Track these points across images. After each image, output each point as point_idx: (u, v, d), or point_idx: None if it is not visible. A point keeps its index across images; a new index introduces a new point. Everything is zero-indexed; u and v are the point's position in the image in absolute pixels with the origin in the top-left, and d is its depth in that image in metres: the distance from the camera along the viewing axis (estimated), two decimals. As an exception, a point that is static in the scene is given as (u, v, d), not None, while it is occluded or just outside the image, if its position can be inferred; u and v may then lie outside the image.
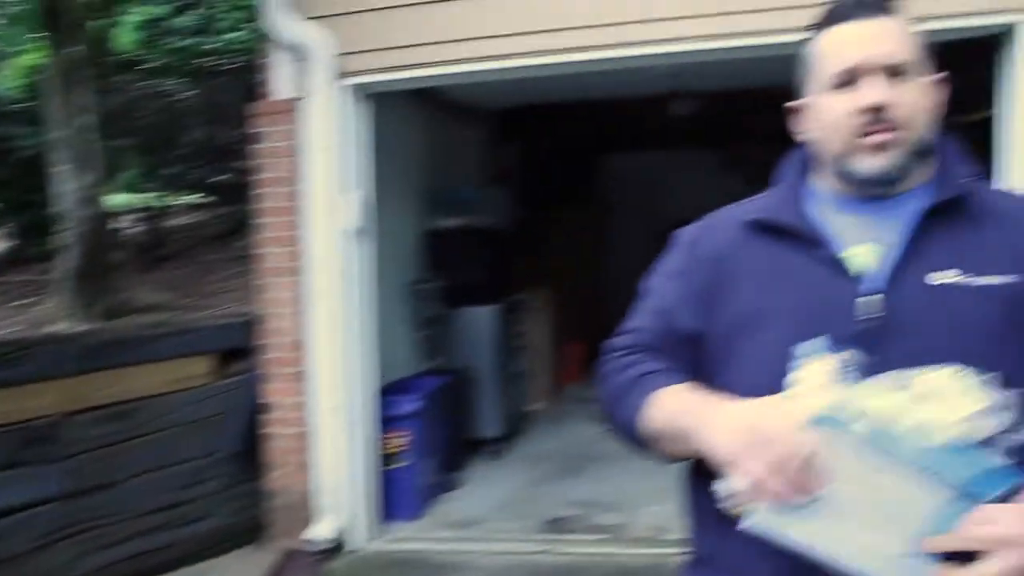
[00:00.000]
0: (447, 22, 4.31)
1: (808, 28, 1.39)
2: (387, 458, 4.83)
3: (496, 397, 6.09)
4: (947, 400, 1.09)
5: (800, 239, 1.34)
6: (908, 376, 1.12)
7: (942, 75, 1.36)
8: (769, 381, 1.22)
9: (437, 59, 4.36)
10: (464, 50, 4.30)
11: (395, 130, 5.62)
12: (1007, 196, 1.44)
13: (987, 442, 1.09)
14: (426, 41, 4.33)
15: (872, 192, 1.32)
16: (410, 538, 4.73)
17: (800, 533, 1.13)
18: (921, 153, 1.31)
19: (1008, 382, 1.14)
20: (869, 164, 1.28)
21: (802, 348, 1.19)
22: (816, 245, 1.32)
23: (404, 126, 5.89)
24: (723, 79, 6.33)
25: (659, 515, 4.77)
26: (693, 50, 4.12)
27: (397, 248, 5.75)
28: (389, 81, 4.54)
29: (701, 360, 1.38)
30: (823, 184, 1.39)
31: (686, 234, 1.49)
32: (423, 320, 5.69)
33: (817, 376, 1.16)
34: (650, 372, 1.38)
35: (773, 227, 1.37)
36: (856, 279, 1.28)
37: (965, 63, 4.67)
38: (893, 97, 1.26)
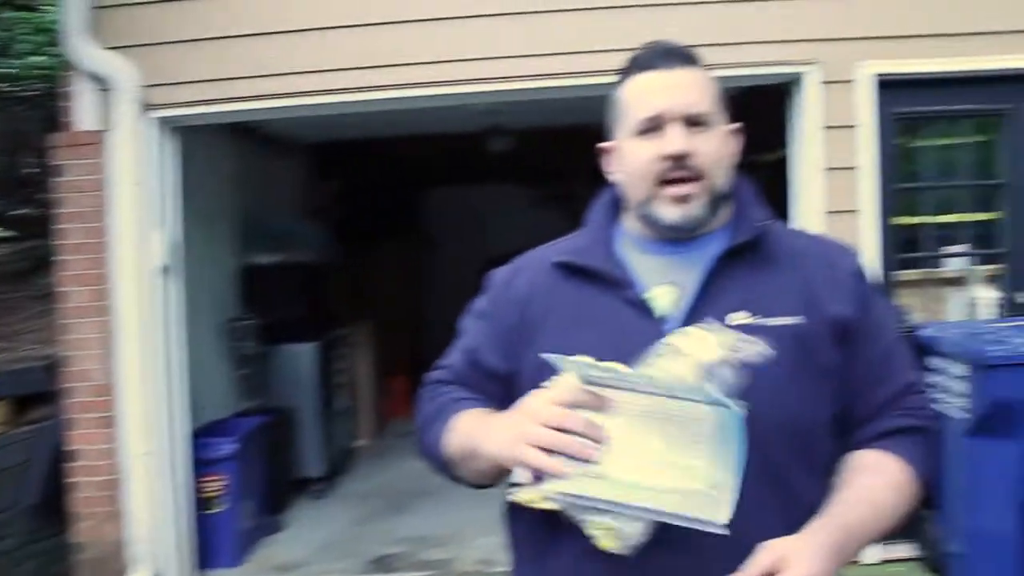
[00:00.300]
0: (258, 56, 4.26)
1: (617, 73, 1.44)
2: (204, 503, 4.64)
3: (318, 435, 5.97)
4: (682, 348, 1.18)
5: (606, 280, 1.38)
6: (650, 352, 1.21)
7: (738, 125, 1.44)
8: None
9: (248, 93, 4.29)
10: (274, 85, 4.26)
11: (207, 164, 5.48)
12: (800, 235, 1.53)
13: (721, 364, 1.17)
14: (236, 75, 4.26)
15: (674, 236, 1.38)
16: (231, 585, 4.55)
17: (599, 491, 1.13)
18: (719, 199, 1.38)
19: (797, 417, 1.26)
20: (671, 213, 1.35)
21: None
22: (620, 286, 1.37)
23: (217, 160, 5.74)
24: (540, 117, 6.54)
25: (486, 548, 4.80)
26: (506, 90, 4.26)
27: (211, 285, 5.58)
28: (198, 115, 4.41)
29: (513, 399, 1.34)
30: (630, 225, 1.45)
31: (498, 275, 1.52)
32: (240, 359, 5.52)
33: (574, 366, 1.20)
34: (451, 401, 1.45)
35: (580, 269, 1.41)
36: (658, 320, 1.33)
37: (761, 107, 5.08)
38: (694, 146, 1.32)
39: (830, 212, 4.22)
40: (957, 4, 4.23)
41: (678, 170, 1.33)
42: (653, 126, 1.34)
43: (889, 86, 4.24)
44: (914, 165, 4.49)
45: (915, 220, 4.50)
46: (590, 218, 1.51)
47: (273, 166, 6.95)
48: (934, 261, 4.52)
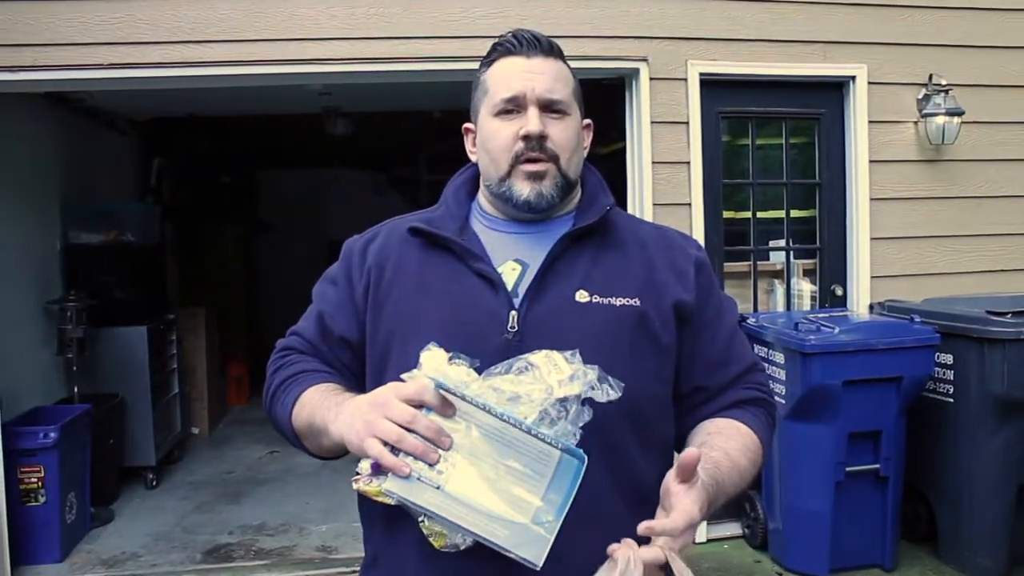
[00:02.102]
0: (75, 22, 4.01)
1: (484, 58, 1.49)
2: (21, 495, 4.39)
3: (149, 422, 5.74)
4: (541, 373, 1.18)
5: (457, 252, 1.42)
6: (505, 364, 1.20)
7: (589, 121, 1.53)
8: None
9: (62, 62, 4.03)
10: (91, 54, 4.02)
11: (23, 136, 5.17)
12: (644, 223, 1.59)
13: (574, 401, 1.19)
14: (49, 41, 4.00)
15: (526, 216, 1.44)
16: (51, 582, 4.33)
17: (431, 501, 1.14)
18: (570, 184, 1.45)
19: (634, 394, 1.25)
20: (525, 189, 1.40)
21: (427, 347, 1.23)
22: (470, 258, 1.41)
23: (35, 133, 5.42)
24: (378, 102, 6.48)
25: (326, 535, 4.78)
26: (332, 72, 4.20)
27: (28, 264, 5.28)
28: (5, 81, 4.10)
29: (364, 365, 1.45)
30: (485, 203, 1.50)
31: (353, 242, 1.53)
32: (64, 342, 5.23)
33: (428, 363, 1.20)
34: (302, 372, 1.45)
35: (433, 238, 1.44)
36: (506, 293, 1.38)
37: (600, 101, 5.23)
38: (550, 130, 1.40)
39: (663, 204, 4.40)
40: (779, 13, 4.49)
41: (534, 150, 1.39)
42: (513, 107, 1.41)
43: (714, 85, 4.47)
44: (741, 162, 4.74)
45: (742, 215, 4.76)
46: (446, 193, 1.55)
47: (100, 142, 6.61)
48: (759, 254, 4.79)
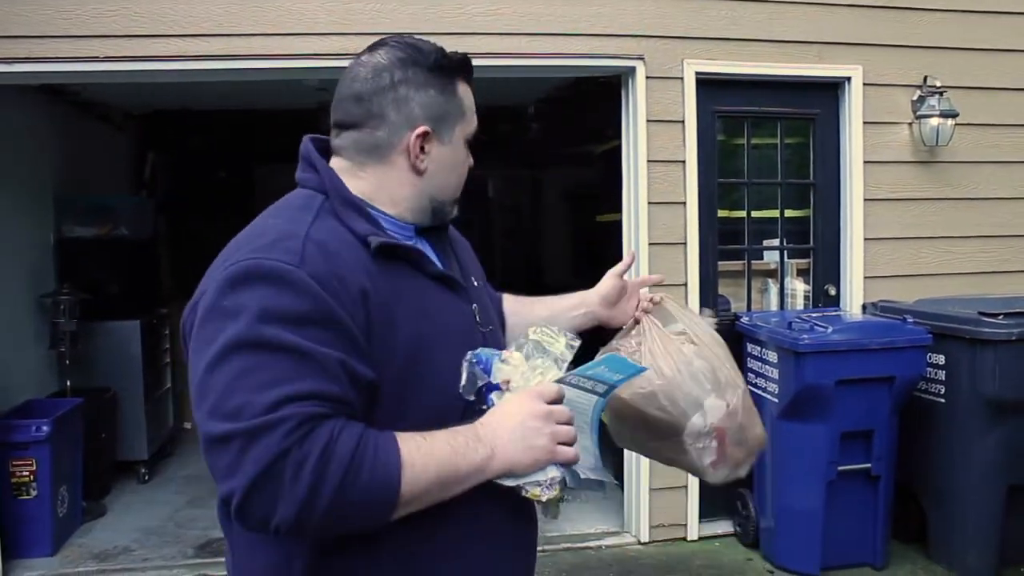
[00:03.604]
0: (70, 15, 3.99)
1: (446, 65, 1.42)
2: (13, 489, 4.38)
3: (142, 417, 5.73)
4: (551, 341, 1.39)
5: (412, 260, 1.37)
6: (524, 346, 1.38)
7: None
8: (453, 401, 1.32)
9: (57, 54, 4.01)
10: (86, 47, 4.01)
11: (17, 129, 5.15)
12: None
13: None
14: (44, 33, 3.98)
15: (434, 226, 1.51)
16: None
17: (591, 473, 1.36)
18: None
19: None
20: (455, 210, 1.51)
21: (473, 356, 1.33)
22: (427, 264, 1.41)
23: (30, 125, 5.41)
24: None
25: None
26: (327, 67, 4.20)
27: (23, 258, 5.27)
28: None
29: (374, 404, 1.26)
30: (390, 211, 1.42)
31: (296, 267, 1.21)
32: (57, 336, 5.22)
33: (523, 366, 1.34)
34: (363, 435, 1.19)
35: (393, 251, 1.34)
36: (464, 292, 1.48)
37: (598, 99, 5.24)
38: None
39: (658, 203, 4.41)
40: (775, 13, 4.50)
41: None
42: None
43: (709, 85, 4.48)
44: (736, 162, 4.75)
45: (736, 214, 4.77)
46: (340, 193, 1.37)
47: (95, 135, 6.58)
48: (753, 254, 4.80)
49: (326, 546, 1.26)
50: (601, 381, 1.35)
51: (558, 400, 1.32)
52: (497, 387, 1.32)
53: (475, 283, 1.56)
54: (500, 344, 1.44)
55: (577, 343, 1.40)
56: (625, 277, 1.82)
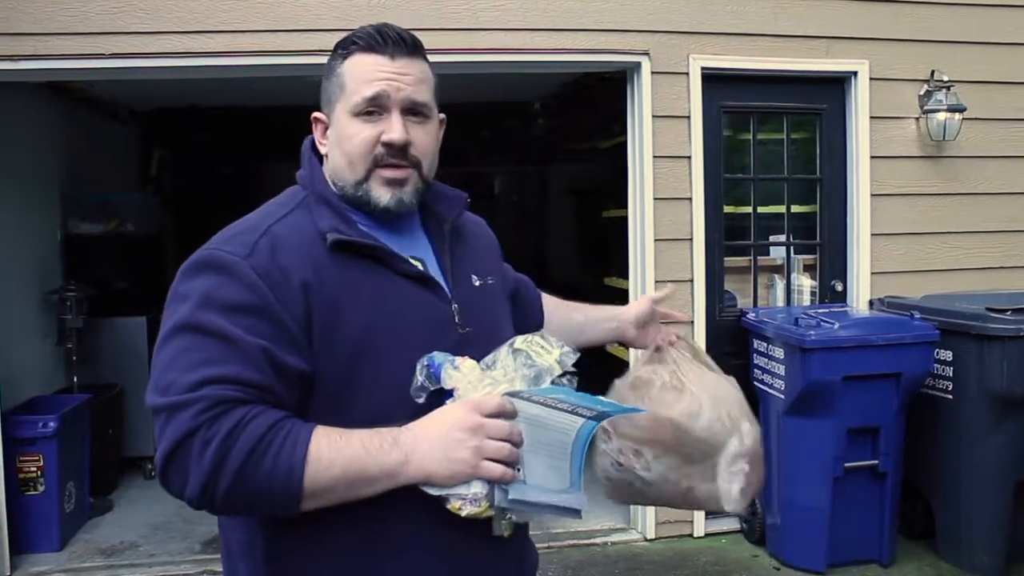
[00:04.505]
0: (76, 12, 3.99)
1: (340, 47, 1.42)
2: (20, 484, 4.39)
3: (148, 412, 5.71)
4: (541, 352, 1.31)
5: (379, 256, 1.36)
6: (500, 355, 1.32)
7: (443, 116, 1.50)
8: (404, 400, 1.26)
9: (63, 51, 4.01)
10: (91, 44, 4.01)
11: (25, 126, 5.16)
12: (469, 217, 1.61)
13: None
14: (50, 31, 3.98)
15: (384, 217, 1.41)
16: (52, 571, 4.32)
17: (536, 497, 1.26)
18: (427, 188, 1.45)
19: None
20: (384, 195, 1.38)
21: (427, 359, 1.28)
22: (396, 260, 1.37)
23: (36, 122, 5.42)
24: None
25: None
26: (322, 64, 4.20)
27: (30, 254, 5.27)
28: (6, 71, 4.08)
29: (307, 398, 1.28)
30: (336, 193, 1.42)
31: (243, 259, 1.27)
32: (64, 332, 5.23)
33: (472, 375, 1.27)
34: (278, 423, 1.21)
35: (355, 247, 1.34)
36: (442, 291, 1.41)
37: (603, 94, 5.23)
38: (413, 135, 1.38)
39: (664, 199, 4.40)
40: (781, 8, 4.48)
41: (395, 156, 1.37)
42: (375, 108, 1.36)
43: (715, 80, 4.46)
44: (742, 157, 4.74)
45: (742, 210, 4.75)
46: (316, 188, 1.41)
47: (101, 132, 6.59)
48: (759, 249, 4.78)
49: (281, 525, 1.29)
50: (586, 406, 1.26)
51: (500, 414, 1.22)
52: (451, 393, 1.27)
53: (474, 281, 1.49)
54: (491, 346, 1.33)
55: (573, 357, 1.32)
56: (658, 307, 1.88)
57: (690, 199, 4.43)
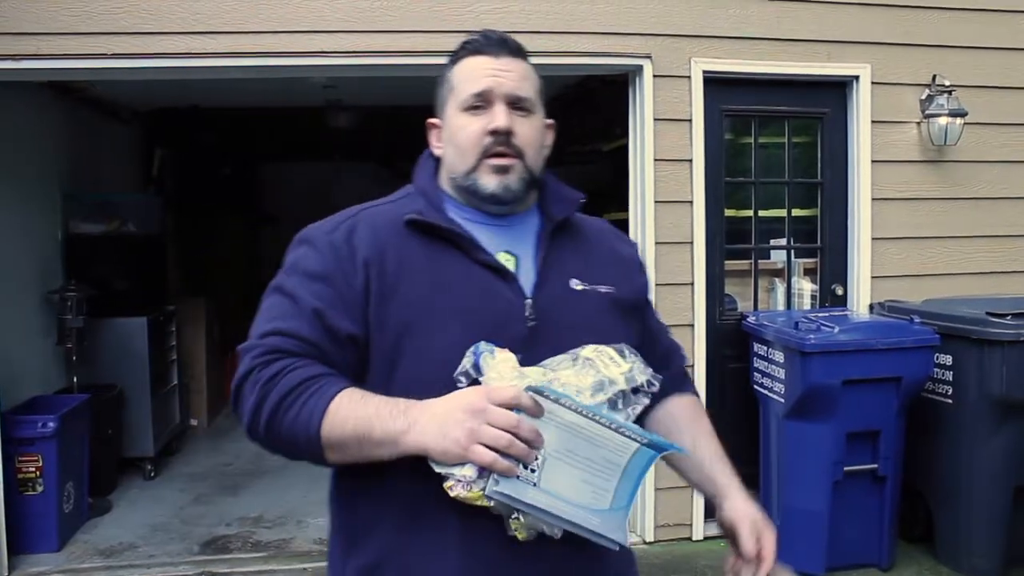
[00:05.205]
0: (79, 11, 3.99)
1: (451, 57, 1.52)
2: (19, 484, 4.39)
3: (148, 413, 5.75)
4: (608, 364, 1.29)
5: (460, 244, 1.42)
6: (561, 359, 1.30)
7: (552, 121, 1.58)
8: (446, 378, 1.28)
9: (65, 51, 4.01)
10: (94, 44, 4.01)
11: (25, 125, 5.17)
12: (593, 221, 1.66)
13: (637, 390, 1.31)
14: (52, 30, 3.98)
15: (491, 209, 1.48)
16: (50, 571, 4.32)
17: (536, 498, 1.21)
18: (534, 180, 1.50)
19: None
20: (491, 182, 1.44)
21: (475, 346, 1.29)
22: (476, 250, 1.42)
23: (38, 122, 5.42)
24: (381, 95, 6.47)
25: (324, 528, 4.75)
26: (331, 64, 4.20)
27: (30, 253, 5.27)
28: (8, 70, 4.07)
29: (363, 362, 1.39)
30: (450, 188, 1.52)
31: (326, 234, 1.45)
32: (64, 332, 5.23)
33: (503, 367, 1.26)
34: (313, 377, 1.33)
35: (430, 229, 1.43)
36: (517, 284, 1.42)
37: (605, 97, 5.23)
38: (517, 126, 1.44)
39: (665, 202, 4.40)
40: (783, 12, 4.49)
41: (501, 145, 1.44)
42: (481, 103, 1.45)
43: (717, 83, 4.47)
44: (743, 161, 4.74)
45: (743, 213, 4.75)
46: (421, 185, 1.54)
47: (103, 132, 6.60)
48: (760, 253, 4.78)
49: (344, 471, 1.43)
50: (631, 430, 1.24)
51: (511, 406, 1.20)
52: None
53: (573, 284, 1.47)
54: (567, 349, 1.32)
55: (646, 375, 1.30)
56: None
57: (691, 202, 4.43)
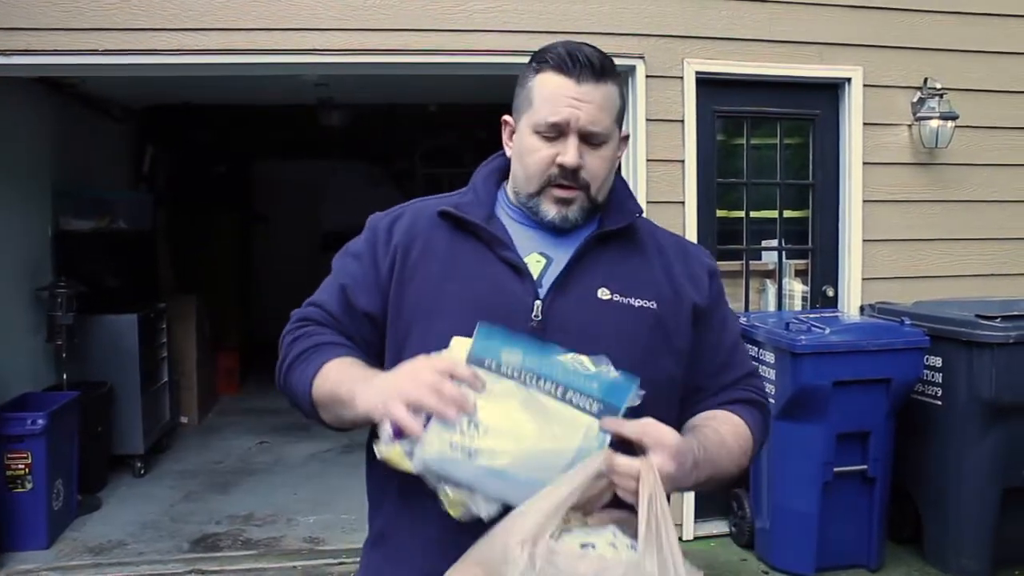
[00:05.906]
0: (70, 7, 3.97)
1: (535, 59, 1.46)
2: (8, 482, 4.37)
3: (138, 411, 5.72)
4: (576, 367, 1.23)
5: (484, 238, 1.46)
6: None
7: (627, 133, 1.56)
8: None
9: (56, 47, 3.99)
10: (85, 40, 3.99)
11: (16, 122, 5.14)
12: (659, 230, 1.63)
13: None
14: (43, 26, 3.96)
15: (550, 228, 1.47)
16: (39, 568, 4.30)
17: (463, 471, 1.18)
18: (596, 208, 1.48)
19: (652, 384, 1.27)
20: (552, 211, 1.44)
21: (477, 328, 1.25)
22: (498, 246, 1.44)
23: (28, 118, 5.40)
24: (373, 93, 6.46)
25: (314, 526, 4.78)
26: (322, 63, 4.19)
27: (20, 250, 5.25)
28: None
29: (384, 340, 1.47)
30: (512, 196, 1.52)
31: (378, 220, 1.55)
32: (54, 329, 5.21)
33: (455, 346, 1.26)
34: (323, 344, 1.45)
35: (461, 223, 1.47)
36: (531, 283, 1.42)
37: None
38: (587, 160, 1.41)
39: (657, 202, 4.39)
40: (776, 13, 4.49)
41: (567, 178, 1.42)
42: (554, 134, 1.41)
43: (709, 84, 4.47)
44: (735, 162, 4.75)
45: (735, 214, 4.76)
46: (475, 180, 1.57)
47: (94, 128, 6.57)
48: (751, 254, 4.79)
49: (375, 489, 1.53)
50: (581, 388, 1.21)
51: (450, 373, 1.19)
52: None
53: (599, 293, 1.43)
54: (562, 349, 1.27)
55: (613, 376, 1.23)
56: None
57: (683, 203, 4.44)
